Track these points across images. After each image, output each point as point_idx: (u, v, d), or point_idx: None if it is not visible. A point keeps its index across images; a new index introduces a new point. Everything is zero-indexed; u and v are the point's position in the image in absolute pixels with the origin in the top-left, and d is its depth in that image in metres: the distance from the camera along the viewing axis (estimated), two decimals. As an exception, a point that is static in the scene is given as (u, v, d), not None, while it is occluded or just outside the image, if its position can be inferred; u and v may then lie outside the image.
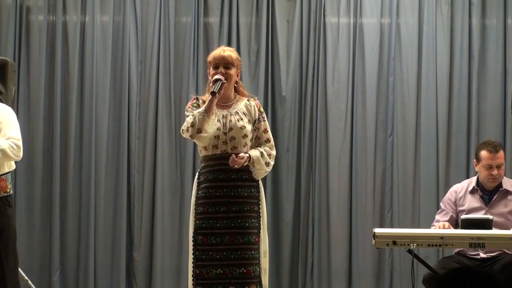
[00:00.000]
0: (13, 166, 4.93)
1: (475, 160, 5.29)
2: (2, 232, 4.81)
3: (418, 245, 4.56)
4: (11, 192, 4.92)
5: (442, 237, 4.57)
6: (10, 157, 4.71)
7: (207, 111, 4.44)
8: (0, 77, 5.31)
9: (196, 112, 4.47)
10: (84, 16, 6.67)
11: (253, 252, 4.51)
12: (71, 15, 6.66)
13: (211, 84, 4.50)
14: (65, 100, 6.63)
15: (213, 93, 4.44)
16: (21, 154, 4.76)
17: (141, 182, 6.62)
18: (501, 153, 5.18)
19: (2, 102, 5.05)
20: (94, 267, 6.56)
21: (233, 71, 4.58)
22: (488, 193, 5.20)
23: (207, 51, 6.52)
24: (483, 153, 5.17)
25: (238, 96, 4.67)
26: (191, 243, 4.53)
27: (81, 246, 6.57)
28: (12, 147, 4.70)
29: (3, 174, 4.84)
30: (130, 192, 6.63)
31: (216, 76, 4.50)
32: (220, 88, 4.47)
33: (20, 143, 4.75)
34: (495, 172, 5.14)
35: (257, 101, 4.73)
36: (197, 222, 4.51)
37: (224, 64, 4.57)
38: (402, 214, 6.59)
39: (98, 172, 6.59)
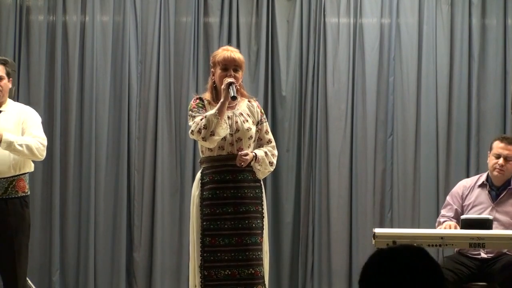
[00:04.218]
0: (33, 168, 4.97)
1: (488, 151, 5.26)
2: (17, 234, 4.79)
3: (418, 245, 4.56)
4: (29, 192, 4.94)
5: (442, 237, 4.57)
6: (35, 155, 4.81)
7: (220, 114, 4.43)
8: (0, 77, 5.31)
9: (208, 114, 4.43)
10: (84, 16, 6.66)
11: (259, 253, 4.51)
12: (71, 15, 6.66)
13: (223, 87, 4.45)
14: (65, 100, 6.62)
15: (234, 98, 4.43)
16: (44, 154, 4.87)
17: (141, 182, 6.62)
18: None
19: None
20: (94, 267, 6.56)
21: (240, 74, 4.57)
22: (496, 189, 5.17)
23: (207, 51, 6.53)
24: (496, 142, 5.16)
25: (239, 97, 4.67)
26: (197, 244, 4.50)
27: (81, 246, 6.57)
28: (39, 146, 4.80)
29: (23, 174, 4.86)
30: (130, 192, 6.62)
31: (230, 80, 4.46)
32: (237, 92, 4.49)
33: (45, 143, 4.87)
34: (501, 161, 5.09)
35: (257, 102, 4.74)
36: (204, 223, 4.49)
37: (233, 66, 4.54)
38: (402, 214, 6.59)
39: (98, 172, 6.59)
